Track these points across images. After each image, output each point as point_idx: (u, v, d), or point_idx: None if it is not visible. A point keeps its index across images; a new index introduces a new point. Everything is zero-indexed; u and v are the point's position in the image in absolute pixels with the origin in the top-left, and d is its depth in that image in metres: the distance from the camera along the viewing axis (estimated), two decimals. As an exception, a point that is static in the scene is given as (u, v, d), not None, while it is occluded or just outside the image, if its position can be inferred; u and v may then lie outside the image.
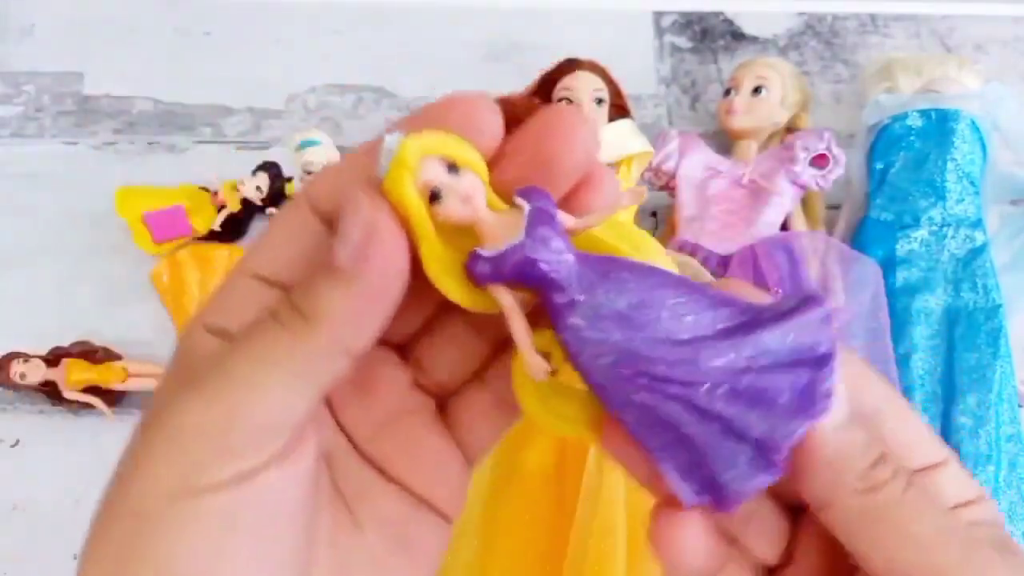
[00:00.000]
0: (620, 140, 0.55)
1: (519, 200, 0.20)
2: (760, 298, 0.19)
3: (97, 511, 0.20)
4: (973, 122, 0.58)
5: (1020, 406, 0.53)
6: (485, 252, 0.20)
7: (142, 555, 0.18)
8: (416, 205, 0.19)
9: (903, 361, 0.54)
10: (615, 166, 0.55)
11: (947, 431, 0.52)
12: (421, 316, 0.22)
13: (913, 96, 0.61)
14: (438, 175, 0.19)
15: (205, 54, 0.73)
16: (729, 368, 0.18)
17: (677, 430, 0.19)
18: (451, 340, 0.22)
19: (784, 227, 0.58)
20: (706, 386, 0.18)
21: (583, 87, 0.59)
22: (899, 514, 0.18)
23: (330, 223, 0.20)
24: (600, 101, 0.59)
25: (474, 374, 0.23)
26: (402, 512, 0.22)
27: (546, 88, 0.61)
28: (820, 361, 0.18)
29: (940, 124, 0.58)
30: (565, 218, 0.20)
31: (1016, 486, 0.51)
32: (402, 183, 0.19)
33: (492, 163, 0.20)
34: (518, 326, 0.20)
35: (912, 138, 0.59)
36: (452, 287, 0.20)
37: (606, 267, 0.20)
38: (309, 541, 0.20)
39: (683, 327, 0.19)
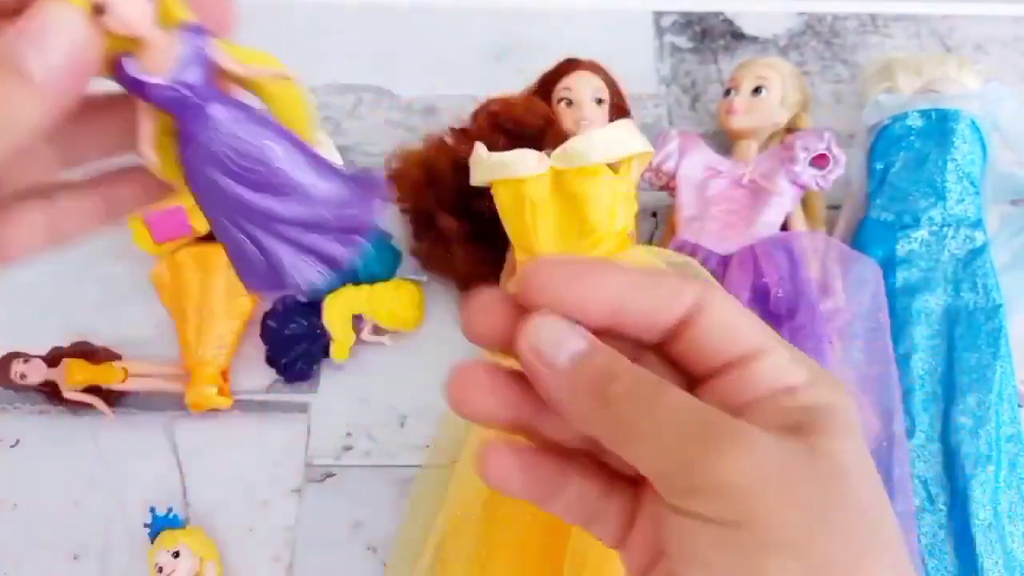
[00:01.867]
0: (620, 140, 0.55)
1: (182, 35, 0.23)
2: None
3: None
4: (973, 122, 0.58)
5: (1020, 406, 0.53)
6: (132, 70, 0.23)
7: None
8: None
9: (903, 361, 0.54)
10: (615, 166, 0.55)
11: (947, 431, 0.52)
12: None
13: (913, 96, 0.61)
14: None
15: (205, 54, 0.73)
16: (299, 209, 0.26)
17: (258, 243, 0.26)
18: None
19: (784, 227, 0.58)
20: (285, 217, 0.26)
21: (583, 87, 0.59)
22: (638, 416, 0.20)
23: None
24: (600, 101, 0.59)
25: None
26: None
27: (546, 88, 0.61)
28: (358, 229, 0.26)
29: (940, 124, 0.58)
30: (225, 60, 0.24)
31: (1016, 486, 0.51)
32: None
33: None
34: (145, 126, 0.25)
35: (912, 138, 0.59)
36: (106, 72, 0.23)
37: (238, 109, 0.25)
38: None
39: (281, 171, 0.26)
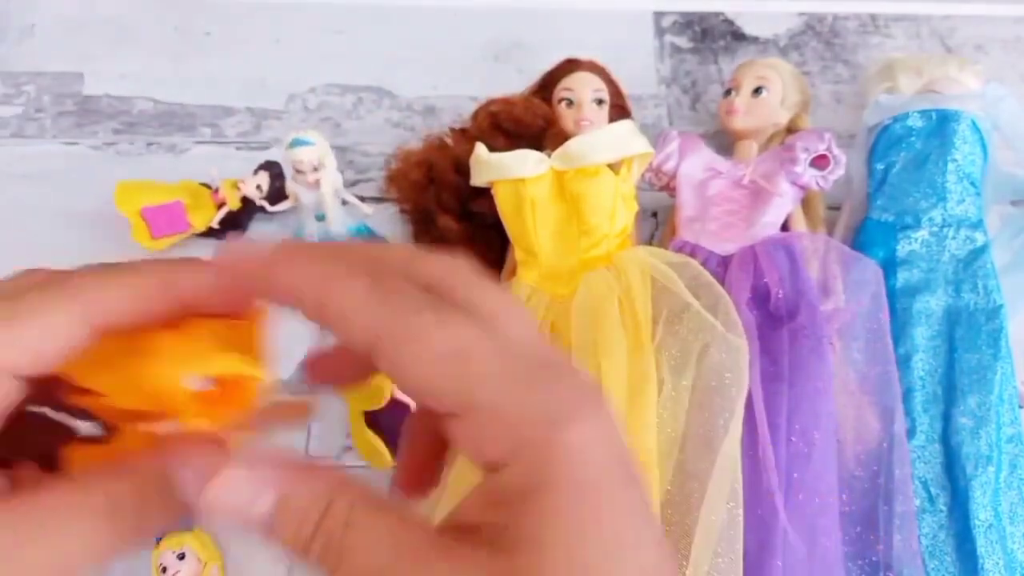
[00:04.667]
0: (620, 140, 0.55)
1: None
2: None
3: None
4: (973, 122, 0.58)
5: (1020, 407, 0.53)
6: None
7: None
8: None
9: (904, 362, 0.53)
10: (616, 166, 0.55)
11: (947, 432, 0.52)
12: None
13: (914, 97, 0.61)
14: None
15: (205, 54, 0.73)
16: None
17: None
18: None
19: (785, 227, 0.58)
20: None
21: (583, 87, 0.59)
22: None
23: None
24: (600, 101, 0.59)
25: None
26: None
27: (546, 88, 0.61)
28: None
29: (941, 125, 0.58)
30: None
31: (1017, 487, 0.50)
32: None
33: None
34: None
35: (913, 139, 0.59)
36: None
37: None
38: None
39: None
